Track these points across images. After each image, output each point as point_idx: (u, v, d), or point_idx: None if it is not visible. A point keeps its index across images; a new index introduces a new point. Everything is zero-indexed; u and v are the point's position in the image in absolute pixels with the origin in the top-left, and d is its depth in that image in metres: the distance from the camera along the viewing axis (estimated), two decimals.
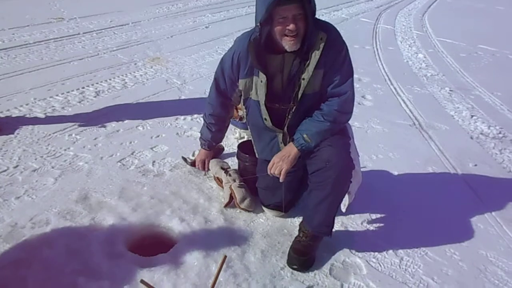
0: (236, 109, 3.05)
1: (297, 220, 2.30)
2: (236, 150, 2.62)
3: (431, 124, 3.90)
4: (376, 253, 2.13)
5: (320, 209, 1.96)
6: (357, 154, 2.17)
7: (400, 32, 8.47)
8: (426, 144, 3.47)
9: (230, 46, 2.13)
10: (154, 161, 2.87)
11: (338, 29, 1.97)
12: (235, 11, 9.29)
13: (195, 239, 2.12)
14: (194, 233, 2.16)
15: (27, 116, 3.47)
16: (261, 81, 1.96)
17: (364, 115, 3.89)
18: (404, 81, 5.23)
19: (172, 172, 2.74)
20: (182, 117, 3.62)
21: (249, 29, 2.05)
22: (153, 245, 2.12)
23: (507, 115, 4.29)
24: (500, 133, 3.80)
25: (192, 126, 3.46)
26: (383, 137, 3.54)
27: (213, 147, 2.59)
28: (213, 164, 2.62)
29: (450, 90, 4.98)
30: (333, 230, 2.08)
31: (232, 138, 3.22)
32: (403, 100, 4.54)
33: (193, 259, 1.97)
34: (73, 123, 3.37)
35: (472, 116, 4.17)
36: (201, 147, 2.59)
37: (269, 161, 2.13)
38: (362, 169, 2.87)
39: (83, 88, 4.18)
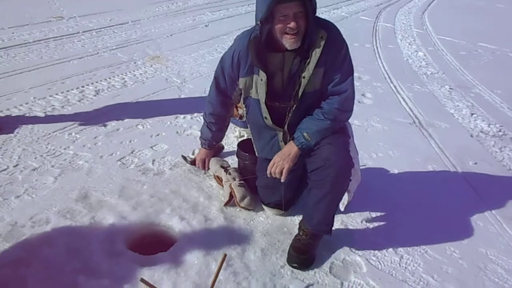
0: (236, 107, 3.05)
1: (297, 219, 2.30)
2: (236, 149, 2.61)
3: (431, 122, 3.90)
4: (376, 251, 2.13)
5: (320, 208, 1.96)
6: (357, 152, 2.17)
7: (400, 30, 8.46)
8: (426, 142, 3.47)
9: (230, 44, 2.13)
10: (154, 160, 2.87)
11: (338, 27, 1.97)
12: (235, 9, 9.28)
13: (195, 237, 2.12)
14: (194, 232, 2.16)
15: (27, 115, 3.47)
16: (261, 80, 1.96)
17: (364, 113, 3.89)
18: (404, 79, 5.22)
19: (172, 170, 2.74)
20: (182, 115, 3.62)
21: (249, 28, 2.05)
22: (153, 244, 2.12)
23: (507, 113, 4.28)
24: (500, 131, 3.79)
25: (192, 124, 3.46)
26: (383, 135, 3.54)
27: (213, 146, 2.59)
28: (213, 163, 2.62)
29: (450, 88, 4.97)
30: (333, 228, 2.08)
31: (232, 137, 3.22)
32: (403, 98, 4.54)
33: (193, 257, 1.97)
34: (73, 122, 3.37)
35: (472, 114, 4.16)
36: (201, 146, 2.59)
37: (269, 160, 2.13)
38: (362, 167, 2.86)
39: (82, 87, 4.18)
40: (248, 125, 2.28)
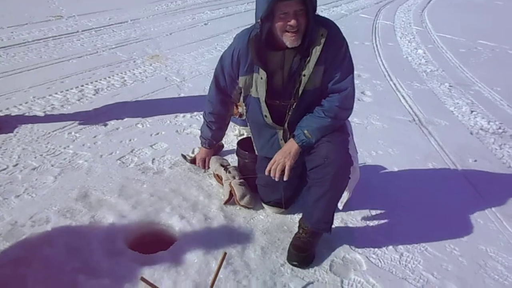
0: (236, 105, 3.04)
1: (297, 217, 2.31)
2: (235, 147, 2.61)
3: (431, 120, 3.90)
4: (376, 249, 2.13)
5: (319, 206, 1.96)
6: (356, 151, 2.17)
7: (400, 28, 8.46)
8: (425, 140, 3.47)
9: (229, 43, 2.13)
10: (153, 159, 2.87)
11: (337, 25, 1.96)
12: (234, 8, 9.27)
13: (195, 236, 2.13)
14: (194, 231, 2.16)
15: (26, 114, 3.47)
16: (261, 78, 1.96)
17: (363, 111, 3.88)
18: (403, 77, 5.22)
19: (172, 169, 2.74)
20: (182, 114, 3.62)
21: (248, 26, 2.04)
22: (153, 243, 2.12)
23: (506, 110, 4.28)
24: (499, 128, 3.79)
25: (192, 123, 3.46)
26: (382, 133, 3.54)
27: (213, 145, 2.58)
28: (213, 161, 2.62)
29: (450, 86, 4.97)
30: (333, 226, 2.08)
31: (232, 135, 3.22)
32: (402, 96, 4.53)
33: (193, 256, 1.97)
34: (72, 121, 3.37)
35: (471, 111, 4.16)
36: (202, 145, 2.59)
37: (269, 158, 2.12)
38: (361, 165, 2.88)
39: (82, 86, 4.18)
40: (248, 124, 2.27)
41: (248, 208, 2.36)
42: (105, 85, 4.25)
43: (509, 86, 5.00)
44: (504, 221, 2.44)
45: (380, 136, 3.46)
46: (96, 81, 4.34)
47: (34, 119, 3.37)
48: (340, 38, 1.94)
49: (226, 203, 2.39)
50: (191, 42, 6.20)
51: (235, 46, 2.03)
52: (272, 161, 2.02)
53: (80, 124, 3.33)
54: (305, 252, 2.01)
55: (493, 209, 2.55)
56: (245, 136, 2.99)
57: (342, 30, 1.97)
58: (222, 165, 2.56)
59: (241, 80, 2.06)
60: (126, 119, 3.47)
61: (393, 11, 10.43)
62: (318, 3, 1.86)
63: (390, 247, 2.16)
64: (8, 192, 2.41)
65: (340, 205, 2.14)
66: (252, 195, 2.37)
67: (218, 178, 2.56)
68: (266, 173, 2.03)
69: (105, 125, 3.34)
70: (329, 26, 1.90)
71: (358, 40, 6.96)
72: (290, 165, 1.97)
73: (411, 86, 4.89)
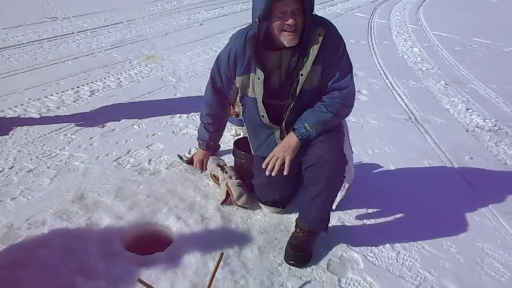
0: (233, 105, 3.04)
1: (294, 216, 2.30)
2: (232, 147, 2.61)
3: (427, 118, 3.91)
4: (373, 248, 2.13)
5: (315, 205, 1.96)
6: (351, 150, 2.17)
7: (395, 27, 8.48)
8: (421, 138, 3.48)
9: (225, 43, 2.12)
10: (150, 160, 2.86)
11: (334, 24, 1.97)
12: (230, 8, 9.27)
13: (192, 237, 2.12)
14: (191, 231, 2.16)
15: (22, 116, 3.45)
16: (258, 78, 1.96)
17: (359, 110, 3.89)
18: (399, 75, 5.23)
19: (168, 170, 2.74)
20: (178, 115, 3.61)
21: (244, 26, 2.04)
22: (150, 244, 2.11)
23: (502, 108, 4.30)
24: (495, 125, 3.81)
25: (188, 124, 3.46)
26: (379, 131, 3.54)
27: (211, 147, 2.57)
28: (209, 162, 2.62)
29: (446, 84, 4.99)
30: (330, 225, 2.08)
31: (228, 135, 3.21)
32: (398, 94, 4.54)
33: (190, 257, 1.97)
34: (68, 123, 3.36)
35: (467, 109, 4.18)
36: (199, 147, 2.57)
37: (265, 158, 2.12)
38: (358, 164, 2.89)
39: (78, 87, 4.17)
40: (244, 124, 2.27)
41: (245, 208, 2.36)
42: (101, 86, 4.24)
43: (504, 84, 5.02)
44: (500, 218, 2.45)
45: (376, 134, 3.46)
46: (92, 82, 4.33)
47: (30, 121, 3.36)
48: (338, 38, 1.94)
49: (223, 203, 2.38)
50: (187, 42, 6.19)
51: (231, 46, 2.03)
52: (271, 155, 1.99)
53: (76, 125, 3.32)
54: (302, 251, 2.01)
55: (489, 206, 2.56)
56: (241, 136, 2.99)
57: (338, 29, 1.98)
58: (218, 165, 2.56)
59: (238, 80, 2.06)
60: (122, 120, 3.46)
61: (388, 10, 10.45)
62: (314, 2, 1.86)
63: (387, 245, 2.16)
64: (4, 195, 2.40)
65: (333, 205, 2.14)
66: (249, 195, 2.37)
67: (215, 178, 2.56)
68: (264, 166, 1.99)
69: (101, 126, 3.33)
70: (327, 26, 1.91)
71: (354, 39, 6.97)
72: (290, 159, 1.94)
73: (407, 85, 4.90)
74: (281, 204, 2.34)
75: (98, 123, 3.37)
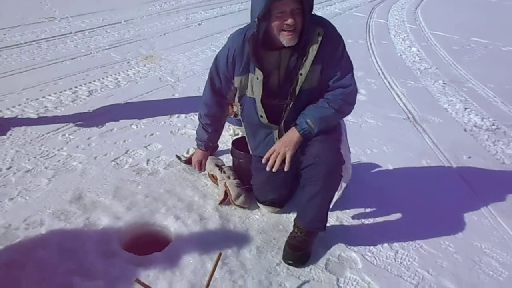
0: (231, 105, 3.04)
1: (292, 216, 2.30)
2: (230, 147, 2.61)
3: (425, 117, 3.91)
4: (371, 247, 2.13)
5: (312, 205, 1.96)
6: (349, 150, 2.17)
7: (394, 26, 8.48)
8: (420, 137, 3.48)
9: (224, 43, 2.12)
10: (148, 160, 2.86)
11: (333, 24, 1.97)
12: (228, 7, 9.26)
13: (190, 236, 2.12)
14: (189, 231, 2.16)
15: (20, 116, 3.45)
16: (257, 78, 1.95)
17: (358, 110, 3.81)
18: (397, 75, 5.24)
19: (167, 170, 2.73)
20: (176, 115, 3.61)
21: (242, 26, 2.04)
22: (148, 244, 2.11)
23: (500, 107, 4.31)
24: (493, 125, 3.81)
25: (186, 123, 3.45)
26: (377, 131, 3.55)
27: (209, 147, 2.55)
28: (208, 162, 2.61)
29: (444, 83, 4.99)
30: (328, 224, 2.08)
31: (227, 135, 3.21)
32: (396, 94, 4.55)
33: (189, 256, 1.97)
34: (66, 123, 3.35)
35: (465, 108, 4.18)
36: (198, 147, 2.55)
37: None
38: (356, 163, 2.89)
39: (76, 87, 4.16)
40: (243, 123, 2.27)
41: (243, 207, 2.36)
42: (99, 86, 4.23)
43: (502, 83, 5.03)
44: (498, 217, 2.46)
45: (374, 134, 3.46)
46: (90, 82, 4.32)
47: (28, 121, 3.35)
48: (337, 37, 1.94)
49: (221, 203, 2.38)
50: (185, 42, 6.18)
51: (230, 46, 2.02)
52: (271, 150, 1.97)
53: (74, 125, 3.32)
54: (300, 251, 2.01)
55: (487, 205, 2.56)
56: (239, 135, 2.98)
57: None
58: (217, 165, 2.55)
59: (237, 81, 2.05)
60: (120, 120, 3.45)
61: (386, 9, 10.46)
62: None
63: (385, 244, 2.16)
64: (2, 195, 2.39)
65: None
66: (247, 195, 2.37)
67: (213, 178, 2.56)
68: (264, 161, 1.97)
69: (99, 126, 3.32)
70: (326, 25, 1.91)
71: (352, 39, 6.97)
72: (291, 155, 1.92)
73: (405, 84, 4.91)
74: (279, 204, 2.34)
75: (96, 123, 3.37)
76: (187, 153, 2.87)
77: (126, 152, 2.94)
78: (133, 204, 2.35)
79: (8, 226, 2.13)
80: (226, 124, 3.05)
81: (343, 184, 2.12)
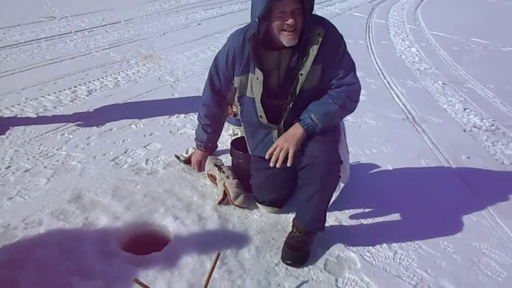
0: (230, 105, 3.03)
1: (291, 216, 2.30)
2: (229, 147, 2.61)
3: (424, 118, 3.91)
4: (370, 247, 2.13)
5: (310, 205, 1.96)
6: (347, 151, 2.17)
7: (393, 26, 8.48)
8: (419, 138, 3.48)
9: (223, 43, 2.12)
10: (147, 159, 2.85)
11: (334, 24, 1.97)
12: (228, 7, 9.26)
13: (189, 236, 2.12)
14: (188, 231, 2.16)
15: (19, 116, 3.44)
16: (257, 78, 1.95)
17: (357, 110, 3.76)
18: (397, 75, 5.24)
19: (166, 170, 2.73)
20: (175, 114, 3.61)
21: (242, 26, 2.04)
22: (147, 244, 2.11)
23: (499, 108, 4.31)
24: (492, 125, 3.81)
25: (185, 123, 3.45)
26: (376, 131, 3.55)
27: (209, 147, 2.55)
28: (207, 162, 2.61)
29: (443, 84, 4.99)
30: (327, 225, 2.08)
31: (226, 135, 3.21)
32: (396, 94, 4.55)
33: (187, 256, 1.97)
34: (65, 123, 3.35)
35: (465, 109, 4.18)
36: (197, 148, 2.55)
37: (263, 158, 2.12)
38: (355, 164, 2.89)
39: (75, 87, 4.16)
40: (242, 123, 2.27)
41: (242, 207, 2.35)
42: (98, 86, 4.23)
43: (501, 84, 5.03)
44: (497, 218, 2.45)
45: (374, 134, 3.46)
46: (89, 82, 4.32)
47: (27, 121, 3.35)
48: (338, 37, 1.95)
49: (220, 203, 2.38)
50: (184, 42, 6.18)
51: (229, 46, 2.02)
52: (273, 146, 1.95)
53: (73, 125, 3.32)
54: (299, 251, 2.01)
55: (486, 205, 2.56)
56: (239, 135, 2.98)
57: None
58: (216, 165, 2.55)
59: (237, 81, 2.05)
60: (119, 119, 3.45)
61: (386, 10, 10.46)
62: None
63: (384, 245, 2.16)
64: (1, 195, 2.39)
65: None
66: (246, 195, 2.37)
67: (212, 178, 2.56)
68: (267, 157, 1.96)
69: (98, 126, 3.32)
70: (326, 25, 1.91)
71: (352, 39, 6.97)
72: (294, 151, 1.90)
73: (405, 84, 4.91)
74: (278, 204, 2.34)
75: (95, 122, 3.36)
76: (186, 153, 2.87)
77: (125, 152, 2.94)
78: (132, 204, 2.35)
79: (7, 225, 2.13)
80: (226, 124, 3.05)
81: (341, 185, 2.13)
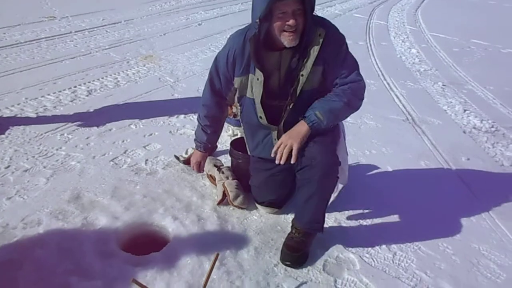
0: (230, 106, 3.03)
1: (290, 217, 2.30)
2: (229, 148, 2.61)
3: (424, 119, 3.91)
4: (369, 248, 2.13)
5: (309, 206, 1.96)
6: (346, 152, 2.17)
7: (393, 28, 8.48)
8: (419, 139, 3.48)
9: (223, 43, 2.11)
10: (146, 160, 2.85)
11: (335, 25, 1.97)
12: (228, 8, 9.26)
13: (188, 237, 2.12)
14: (187, 231, 2.16)
15: (19, 116, 3.44)
16: (258, 79, 1.95)
17: (357, 111, 3.88)
18: (397, 76, 5.24)
19: (165, 170, 2.73)
20: (175, 115, 3.61)
21: (242, 26, 2.04)
22: (146, 244, 2.11)
23: (499, 109, 4.31)
24: (492, 127, 3.81)
25: (185, 124, 3.45)
26: (376, 132, 3.54)
27: (208, 148, 2.54)
28: (206, 162, 2.61)
29: (443, 85, 4.99)
30: (326, 225, 2.08)
31: (225, 135, 3.21)
32: (396, 96, 4.55)
33: (186, 257, 1.97)
34: (65, 123, 3.35)
35: (464, 110, 4.18)
36: (196, 148, 2.54)
37: (262, 158, 2.12)
38: (355, 165, 2.89)
39: (75, 87, 4.16)
40: (242, 124, 2.26)
41: (242, 208, 2.35)
42: (98, 86, 4.23)
43: (501, 85, 5.03)
44: (496, 219, 2.45)
45: (373, 135, 3.46)
46: (89, 82, 4.32)
47: (26, 121, 3.35)
48: (339, 37, 1.95)
49: (219, 203, 2.38)
50: (185, 42, 6.18)
51: (230, 46, 2.02)
52: (278, 143, 1.95)
53: (72, 125, 3.31)
54: (298, 252, 2.01)
55: (485, 207, 2.56)
56: (238, 136, 2.98)
57: None
58: (215, 166, 2.55)
59: (237, 81, 2.05)
60: (119, 120, 3.45)
61: (386, 11, 10.47)
62: None
63: (383, 246, 2.16)
64: (0, 194, 2.39)
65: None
66: (246, 195, 2.37)
67: (212, 178, 2.56)
68: (272, 154, 1.96)
69: (98, 126, 3.32)
70: (327, 26, 1.91)
71: (352, 40, 6.96)
72: (298, 147, 1.90)
73: (405, 86, 4.91)
74: (278, 205, 2.34)
75: (95, 122, 3.36)
76: (186, 153, 2.87)
77: (124, 152, 2.94)
78: (131, 204, 2.34)
79: (6, 225, 2.13)
80: (225, 124, 3.05)
81: (340, 186, 2.12)
